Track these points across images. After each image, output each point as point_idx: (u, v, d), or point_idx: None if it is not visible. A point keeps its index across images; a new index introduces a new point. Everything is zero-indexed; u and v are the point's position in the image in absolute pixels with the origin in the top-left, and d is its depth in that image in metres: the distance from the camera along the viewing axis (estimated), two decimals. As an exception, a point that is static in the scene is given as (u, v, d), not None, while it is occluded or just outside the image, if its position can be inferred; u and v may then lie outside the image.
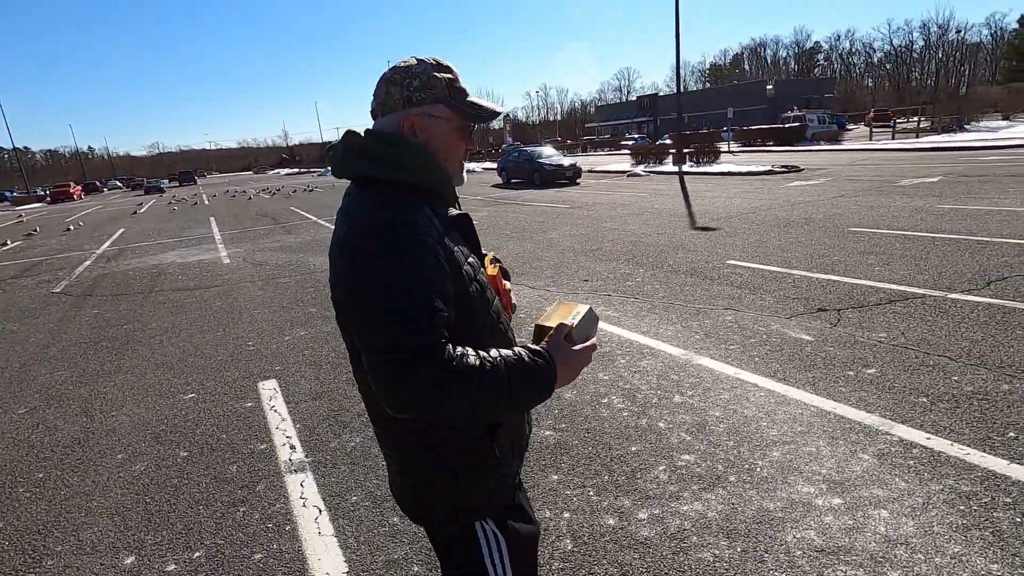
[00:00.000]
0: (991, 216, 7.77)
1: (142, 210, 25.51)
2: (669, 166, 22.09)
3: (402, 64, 1.10)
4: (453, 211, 1.13)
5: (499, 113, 1.17)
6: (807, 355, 3.70)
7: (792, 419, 2.93)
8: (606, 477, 2.58)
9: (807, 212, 9.43)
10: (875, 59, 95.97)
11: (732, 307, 4.83)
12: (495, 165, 25.06)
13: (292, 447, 3.11)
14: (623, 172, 22.02)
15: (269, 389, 3.93)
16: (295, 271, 8.15)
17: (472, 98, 1.14)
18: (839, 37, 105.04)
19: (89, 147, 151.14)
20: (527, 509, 1.28)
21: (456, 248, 1.06)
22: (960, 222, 7.55)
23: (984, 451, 2.51)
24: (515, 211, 13.03)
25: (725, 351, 3.87)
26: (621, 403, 3.26)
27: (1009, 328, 3.83)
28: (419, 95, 1.08)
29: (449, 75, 1.11)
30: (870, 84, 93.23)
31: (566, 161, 20.62)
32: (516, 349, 1.02)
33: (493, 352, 0.99)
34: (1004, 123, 33.78)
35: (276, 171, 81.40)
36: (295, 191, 28.01)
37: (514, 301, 1.32)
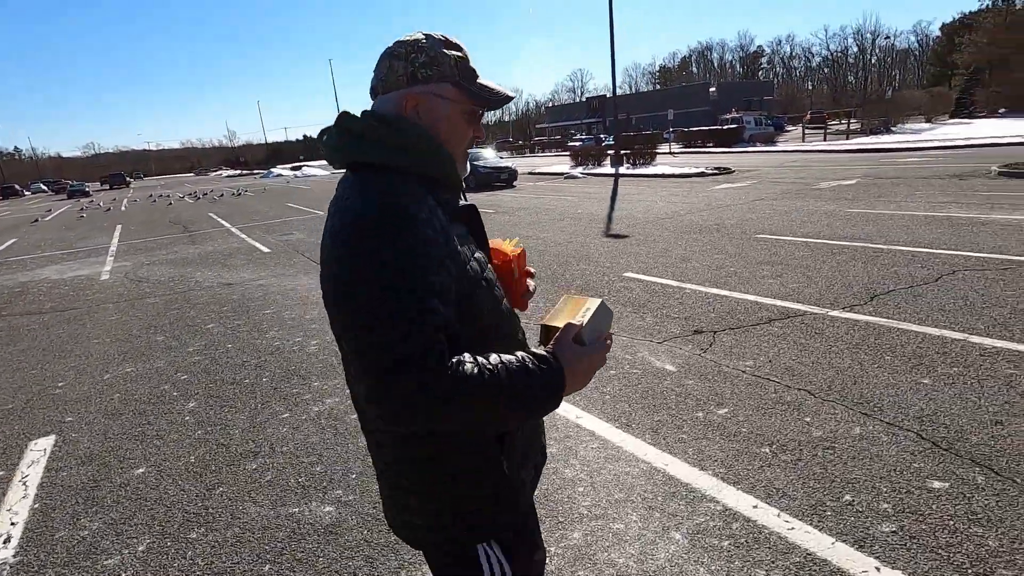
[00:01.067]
0: (893, 220, 7.73)
1: (48, 217, 23.60)
2: (607, 168, 21.97)
3: (408, 38, 1.01)
4: (461, 201, 1.07)
5: (511, 98, 1.07)
6: (662, 391, 3.30)
7: (615, 482, 2.50)
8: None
9: (722, 217, 9.26)
10: (814, 63, 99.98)
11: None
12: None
13: (6, 540, 2.48)
14: (561, 174, 21.78)
15: (38, 451, 3.26)
16: (171, 289, 7.37)
17: (483, 80, 1.04)
18: (780, 42, 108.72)
19: (16, 148, 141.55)
20: (537, 534, 1.19)
21: (461, 243, 0.98)
22: (864, 227, 7.46)
23: (811, 523, 2.12)
24: (438, 217, 12.46)
25: (580, 386, 3.44)
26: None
27: (878, 353, 3.55)
28: (425, 72, 0.99)
29: (459, 53, 1.02)
30: (810, 87, 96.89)
31: (503, 163, 20.22)
32: (519, 354, 0.92)
33: (493, 358, 0.89)
34: (927, 125, 35.31)
35: (218, 172, 78.14)
36: (223, 195, 26.58)
37: (532, 286, 1.22)
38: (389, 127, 0.97)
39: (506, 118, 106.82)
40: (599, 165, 23.37)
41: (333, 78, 72.66)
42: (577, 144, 34.78)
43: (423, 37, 1.00)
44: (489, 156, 21.03)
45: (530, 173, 23.79)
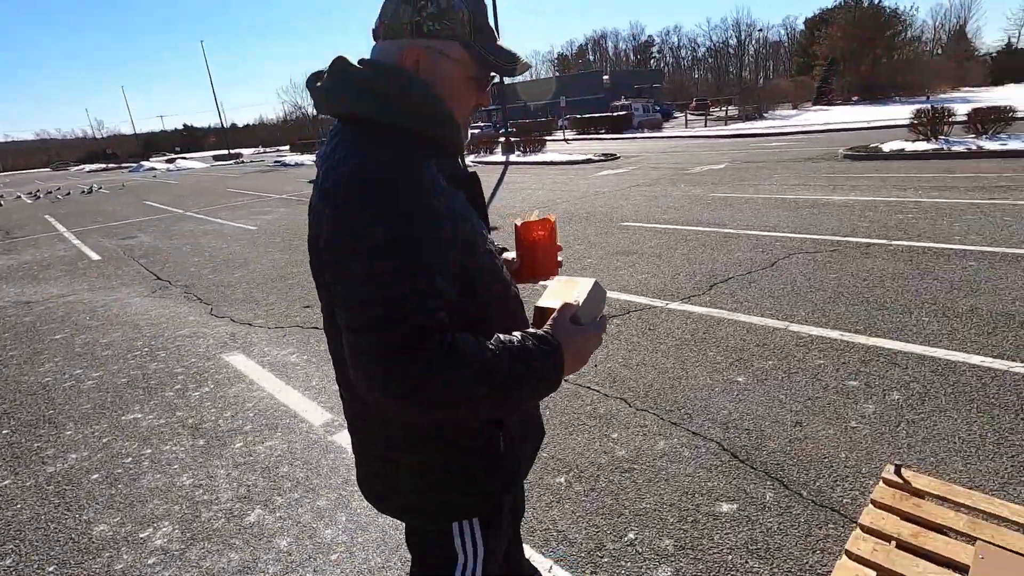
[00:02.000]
0: (748, 204, 7.99)
1: None
2: (498, 156, 21.71)
3: None
4: (467, 168, 1.02)
5: (527, 67, 0.97)
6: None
7: (372, 547, 2.10)
8: None
9: (595, 205, 9.21)
10: (699, 53, 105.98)
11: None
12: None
13: None
14: (453, 163, 21.22)
15: None
16: (-60, 314, 6.06)
17: (501, 42, 0.95)
18: (668, 32, 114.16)
19: None
20: (518, 517, 1.22)
21: (463, 214, 0.91)
22: (721, 212, 7.63)
23: None
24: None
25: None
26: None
27: (703, 349, 3.43)
28: (432, 25, 0.89)
29: (475, 9, 0.91)
30: (696, 76, 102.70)
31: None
32: (518, 335, 0.87)
33: (495, 339, 0.85)
34: (793, 112, 38.43)
35: (80, 167, 69.45)
36: (70, 193, 23.35)
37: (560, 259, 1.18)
38: (386, 78, 0.89)
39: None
40: (490, 153, 23.05)
41: (207, 60, 66.31)
42: (479, 131, 34.24)
43: None
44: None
45: (422, 162, 23.03)
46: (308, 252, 0.92)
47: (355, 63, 0.91)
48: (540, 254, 1.18)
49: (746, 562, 1.83)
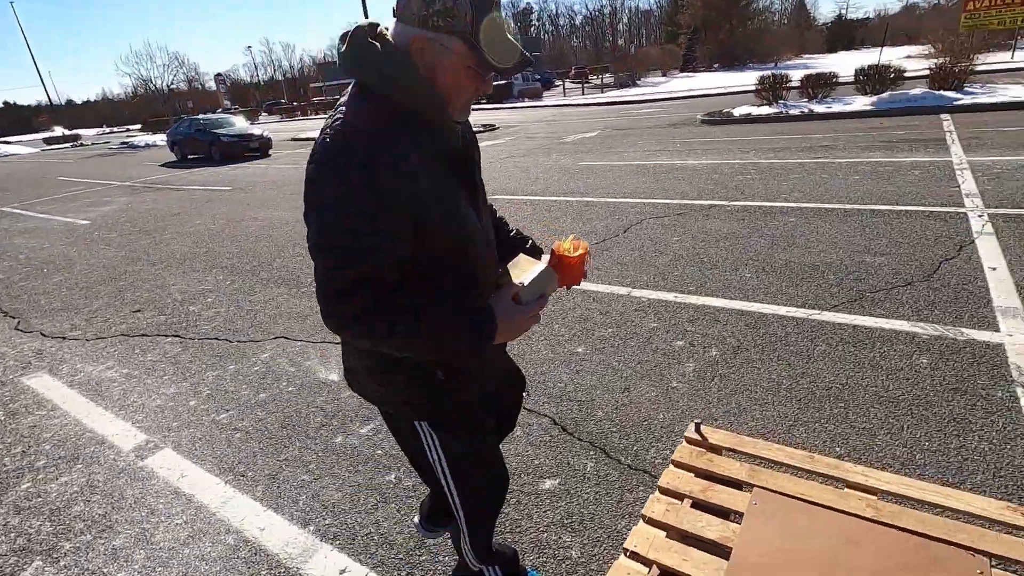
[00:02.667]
0: (612, 172, 8.29)
1: None
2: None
3: None
4: (460, 146, 1.13)
5: (526, 64, 1.05)
6: (308, 415, 2.77)
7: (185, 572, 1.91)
8: None
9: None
10: (577, 21, 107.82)
11: (287, 334, 3.77)
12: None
13: None
14: (327, 139, 20.00)
15: None
16: None
17: (506, 38, 1.02)
18: (547, 0, 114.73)
19: None
20: (485, 429, 1.36)
21: (433, 184, 1.03)
22: (586, 180, 7.84)
23: (400, 578, 1.79)
24: (160, 200, 10.31)
25: (214, 435, 2.75)
26: None
27: (549, 322, 3.49)
28: (436, 21, 0.98)
29: (482, 10, 0.98)
30: (576, 44, 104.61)
31: (252, 131, 17.76)
32: (458, 302, 1.08)
33: (432, 301, 1.04)
34: (663, 79, 40.54)
35: None
36: None
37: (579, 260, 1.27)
38: (380, 54, 1.00)
39: (278, 76, 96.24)
40: (369, 127, 21.98)
41: (20, 25, 56.76)
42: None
43: None
44: (236, 122, 18.29)
45: (294, 139, 21.48)
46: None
47: (371, 36, 1.03)
48: (566, 272, 1.31)
49: (560, 538, 1.87)
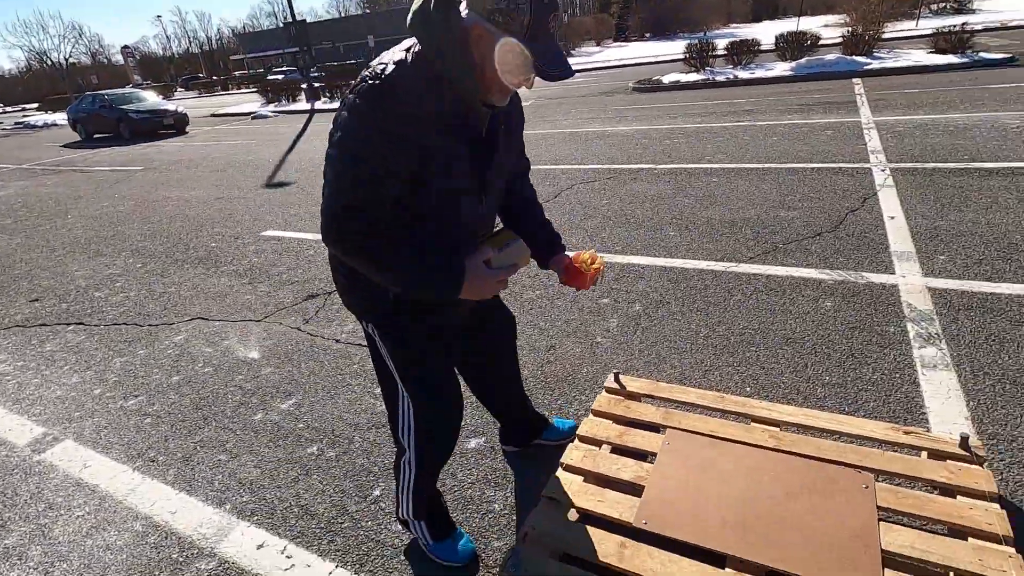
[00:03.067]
0: (545, 140, 8.25)
1: None
2: (303, 103, 19.83)
3: None
4: (478, 126, 1.23)
5: (566, 76, 1.12)
6: (224, 395, 2.64)
7: (87, 557, 1.80)
8: None
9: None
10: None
11: (205, 314, 3.58)
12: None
13: None
14: (249, 114, 18.93)
15: None
16: None
17: (550, 44, 1.10)
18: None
19: None
20: (435, 352, 1.47)
21: (440, 151, 1.16)
22: (520, 149, 7.79)
23: (315, 550, 1.75)
24: (62, 182, 9.44)
25: (116, 422, 2.57)
26: None
27: (484, 285, 3.47)
28: (497, 18, 1.07)
29: (541, 12, 1.06)
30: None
31: (165, 106, 16.53)
32: (441, 252, 1.22)
33: (416, 243, 1.20)
34: (596, 48, 40.63)
35: None
36: None
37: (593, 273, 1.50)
38: (443, 28, 1.10)
39: (194, 49, 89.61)
40: (294, 101, 20.96)
41: None
42: (283, 75, 30.64)
43: None
44: (147, 98, 16.94)
45: (212, 115, 20.21)
46: None
47: (440, 7, 1.11)
48: (575, 277, 1.52)
49: (483, 493, 1.88)
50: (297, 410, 2.45)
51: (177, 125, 15.88)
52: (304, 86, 20.42)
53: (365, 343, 2.98)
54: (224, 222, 5.77)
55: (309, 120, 15.62)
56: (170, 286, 4.12)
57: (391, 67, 1.11)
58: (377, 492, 1.93)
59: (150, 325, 3.49)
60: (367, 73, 1.12)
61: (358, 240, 1.16)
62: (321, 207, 1.18)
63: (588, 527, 1.54)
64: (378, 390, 2.54)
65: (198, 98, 36.87)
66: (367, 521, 1.82)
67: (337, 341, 3.03)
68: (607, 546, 1.47)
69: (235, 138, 13.39)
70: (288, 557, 1.71)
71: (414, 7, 1.13)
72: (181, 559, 1.75)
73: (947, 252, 3.20)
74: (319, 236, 5.25)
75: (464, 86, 1.14)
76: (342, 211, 1.14)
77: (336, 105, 17.87)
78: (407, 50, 1.14)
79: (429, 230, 1.24)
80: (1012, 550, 1.34)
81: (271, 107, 19.78)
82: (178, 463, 2.20)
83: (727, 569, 1.38)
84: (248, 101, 24.95)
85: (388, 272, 1.20)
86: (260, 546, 1.76)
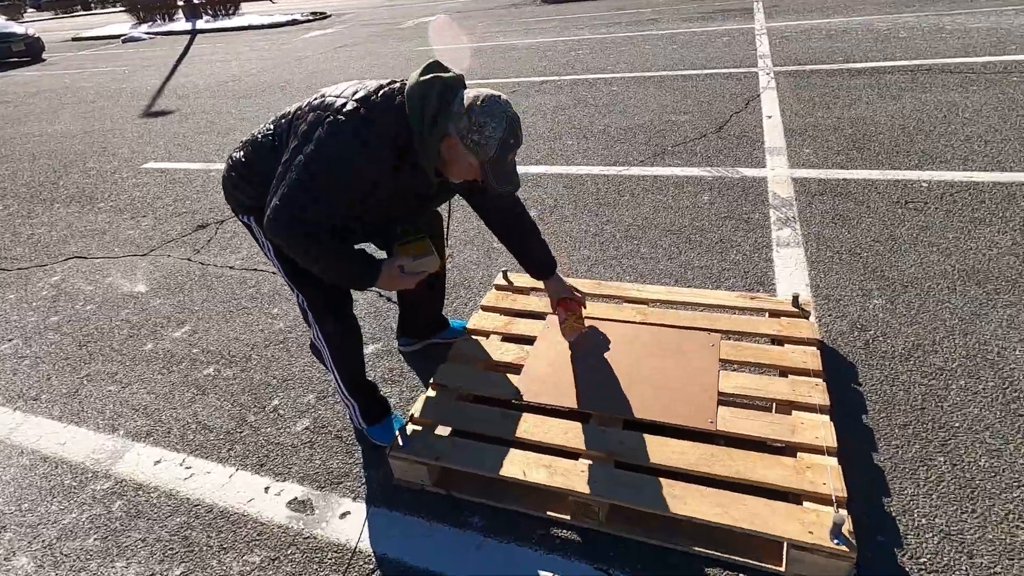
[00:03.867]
0: (449, 55, 7.93)
1: None
2: (182, 23, 17.67)
3: (491, 113, 1.30)
4: (429, 189, 1.50)
5: (515, 190, 1.44)
6: (110, 329, 2.53)
7: (-28, 501, 1.76)
8: None
9: (293, 73, 8.20)
10: None
11: (83, 253, 3.33)
12: None
13: None
14: (119, 36, 16.67)
15: None
16: None
17: (507, 168, 1.38)
18: None
19: None
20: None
21: (393, 188, 1.42)
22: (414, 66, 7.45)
23: (215, 458, 1.80)
24: None
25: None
26: None
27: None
28: (469, 142, 1.31)
29: (503, 152, 1.33)
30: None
31: (17, 29, 14.19)
32: (364, 254, 1.45)
33: (345, 249, 1.43)
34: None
35: None
36: None
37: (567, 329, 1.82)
38: (429, 125, 1.34)
39: (40, -40, 76.07)
40: (171, 20, 18.62)
41: None
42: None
43: (493, 128, 1.30)
44: (-13, 19, 14.43)
45: (74, 39, 17.63)
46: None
47: (439, 91, 1.35)
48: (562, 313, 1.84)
49: (381, 390, 1.97)
50: (191, 337, 2.41)
51: (30, 51, 13.74)
52: (182, 3, 18.10)
53: (261, 268, 2.93)
54: (97, 156, 5.23)
55: (191, 42, 13.99)
56: (39, 227, 3.77)
57: (379, 107, 1.34)
58: (276, 402, 1.98)
59: (19, 269, 3.21)
60: (354, 104, 1.34)
61: (300, 241, 1.36)
62: (272, 202, 1.34)
63: (473, 405, 1.68)
64: (275, 309, 2.53)
65: (55, 19, 31.79)
66: (267, 428, 1.87)
67: (231, 268, 2.94)
68: (489, 419, 1.61)
69: (103, 65, 11.83)
70: (187, 468, 1.75)
71: (418, 88, 1.33)
72: (75, 484, 1.75)
73: (812, 146, 3.49)
74: (208, 165, 4.93)
75: (427, 164, 1.39)
76: (294, 219, 1.33)
77: (222, 24, 16.12)
78: (391, 98, 1.36)
79: (356, 235, 1.54)
80: (819, 380, 1.60)
81: (144, 28, 17.45)
82: (63, 399, 2.13)
83: (592, 423, 1.57)
84: (116, 22, 21.84)
85: (316, 264, 1.41)
86: (157, 462, 1.79)
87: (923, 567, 1.28)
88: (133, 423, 1.97)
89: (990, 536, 1.32)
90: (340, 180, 1.33)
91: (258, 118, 5.84)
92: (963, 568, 1.27)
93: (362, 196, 1.37)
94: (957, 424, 1.61)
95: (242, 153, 1.53)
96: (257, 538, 1.51)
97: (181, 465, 1.77)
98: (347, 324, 1.63)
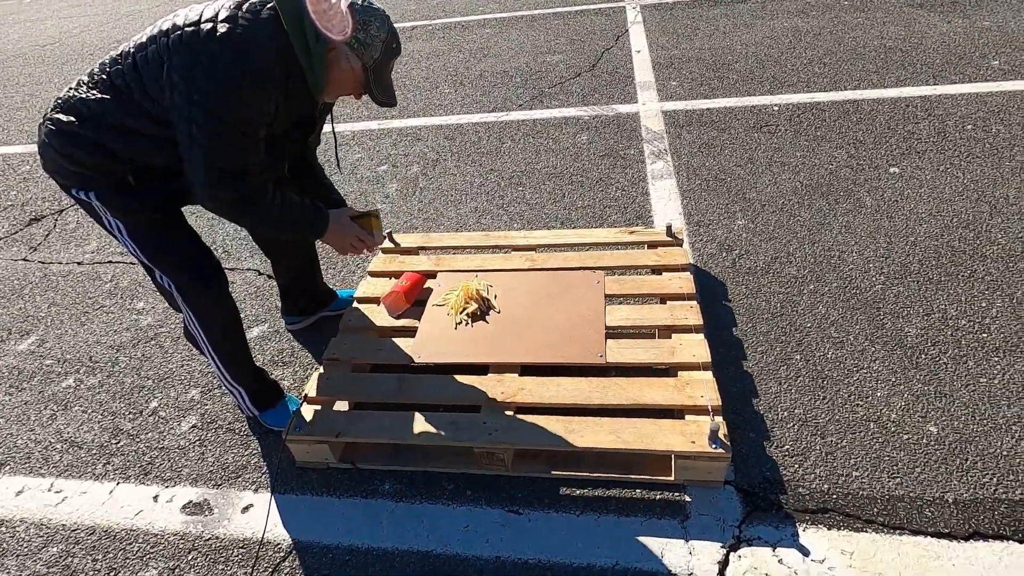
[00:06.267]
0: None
1: None
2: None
3: (373, 12, 1.27)
4: (311, 108, 1.41)
5: (391, 106, 1.40)
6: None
7: None
8: None
9: (124, 30, 7.12)
10: None
11: None
12: None
13: None
14: None
15: None
16: None
17: (387, 79, 1.36)
18: None
19: None
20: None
21: (281, 111, 1.30)
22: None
23: (92, 476, 1.65)
24: None
25: None
26: None
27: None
28: (354, 43, 1.26)
29: (387, 56, 1.31)
30: None
31: None
32: (314, 203, 1.46)
33: (290, 198, 1.39)
34: None
35: None
36: None
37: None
38: (315, 43, 1.23)
39: None
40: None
41: None
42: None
43: (378, 26, 1.27)
44: None
45: None
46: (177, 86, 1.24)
47: (312, 13, 1.22)
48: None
49: (272, 373, 1.86)
50: (40, 348, 2.12)
51: None
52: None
53: (117, 259, 2.61)
54: None
55: (-14, -1, 11.69)
56: None
57: (252, 24, 1.18)
58: (154, 404, 1.82)
59: None
60: (225, 27, 1.16)
61: (246, 201, 1.28)
62: (199, 173, 1.21)
63: (370, 375, 1.64)
64: (140, 304, 2.29)
65: None
66: (147, 433, 1.72)
67: (79, 264, 2.59)
68: (387, 386, 1.59)
69: None
70: (57, 492, 1.58)
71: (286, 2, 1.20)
72: (-83, 534, 1.52)
73: (678, 78, 3.63)
74: (28, 148, 4.24)
75: (313, 80, 1.28)
76: (234, 178, 1.24)
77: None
78: (257, 12, 1.20)
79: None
80: (693, 303, 1.73)
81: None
82: None
83: (489, 374, 1.59)
84: None
85: (268, 221, 1.35)
86: (19, 492, 1.59)
87: (786, 453, 1.46)
88: (-18, 454, 1.73)
89: (837, 417, 1.53)
90: (249, 115, 1.21)
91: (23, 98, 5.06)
92: (817, 447, 1.46)
93: (266, 128, 1.27)
94: (808, 324, 1.82)
95: (65, 114, 1.26)
96: (151, 551, 1.41)
97: (49, 490, 1.59)
98: (222, 302, 1.49)
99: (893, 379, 1.61)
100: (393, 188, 2.84)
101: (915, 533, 1.27)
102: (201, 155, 1.19)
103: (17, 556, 1.44)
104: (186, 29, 1.18)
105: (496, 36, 4.91)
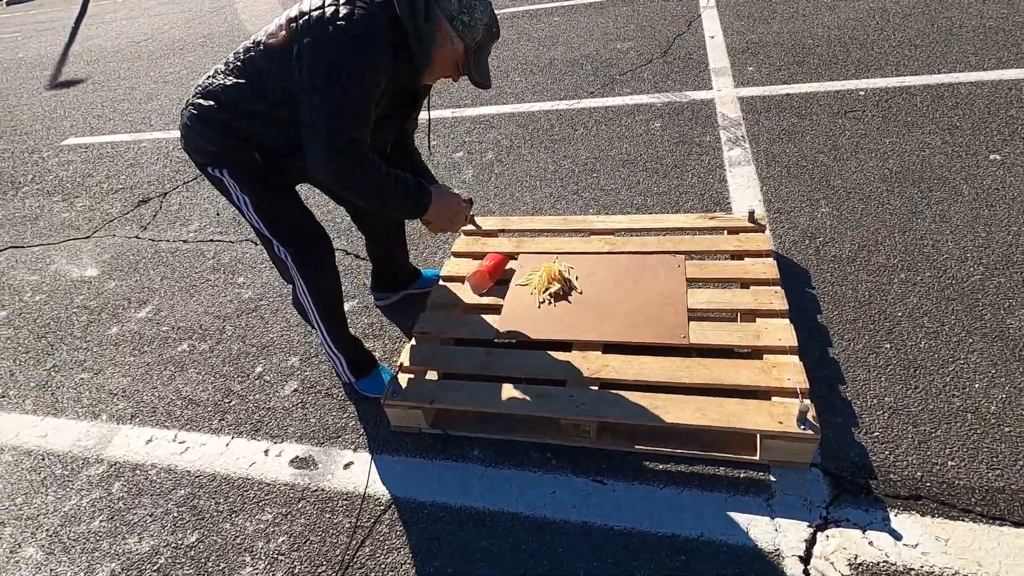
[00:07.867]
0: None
1: None
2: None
3: None
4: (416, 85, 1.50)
5: (486, 87, 1.49)
6: (68, 317, 2.44)
7: None
8: None
9: (211, 26, 7.59)
10: None
11: (17, 242, 3.12)
12: None
13: None
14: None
15: None
16: None
17: (485, 62, 1.46)
18: None
19: None
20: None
21: (390, 87, 1.40)
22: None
23: (207, 430, 1.82)
24: None
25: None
26: None
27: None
28: (457, 25, 1.36)
29: (487, 38, 1.41)
30: None
31: None
32: (420, 180, 1.52)
33: (397, 171, 1.46)
34: None
35: None
36: None
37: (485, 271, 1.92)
38: (426, 23, 1.33)
39: None
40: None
41: None
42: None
43: (482, 8, 1.37)
44: None
45: (-53, 6, 15.62)
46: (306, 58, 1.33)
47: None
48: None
49: (366, 345, 2.00)
50: (156, 316, 2.35)
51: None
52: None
53: (217, 238, 2.83)
54: (8, 137, 4.81)
55: (85, 4, 12.65)
56: (-40, 220, 3.50)
57: (360, 8, 1.27)
58: (259, 369, 1.99)
59: (-51, 266, 3.01)
60: (346, 8, 1.27)
61: (355, 170, 1.33)
62: (315, 140, 1.28)
63: (459, 347, 1.73)
64: (240, 279, 2.48)
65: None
66: (255, 395, 1.89)
67: (185, 242, 2.83)
68: (476, 358, 1.67)
69: (-10, 33, 10.64)
70: (181, 443, 1.77)
71: None
72: (66, 473, 1.74)
73: (755, 63, 3.54)
74: (137, 136, 4.61)
75: (420, 61, 1.37)
76: (348, 145, 1.29)
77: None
78: (383, 7, 1.30)
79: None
80: (778, 288, 1.72)
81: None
82: (34, 392, 2.07)
83: (573, 352, 1.65)
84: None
85: (371, 193, 1.38)
86: (149, 441, 1.79)
87: (876, 439, 1.45)
88: (115, 407, 1.94)
89: (931, 407, 1.50)
90: (365, 88, 1.29)
91: (182, 80, 5.44)
92: (909, 435, 1.44)
93: (376, 102, 1.35)
94: (899, 313, 1.77)
95: (205, 99, 1.40)
96: (266, 498, 1.56)
97: (174, 441, 1.78)
98: (329, 272, 1.62)
99: (993, 371, 1.56)
100: (469, 174, 2.94)
101: (1016, 525, 1.24)
102: (324, 123, 1.27)
103: (152, 495, 1.62)
104: (312, 13, 1.29)
105: (564, 24, 4.91)
